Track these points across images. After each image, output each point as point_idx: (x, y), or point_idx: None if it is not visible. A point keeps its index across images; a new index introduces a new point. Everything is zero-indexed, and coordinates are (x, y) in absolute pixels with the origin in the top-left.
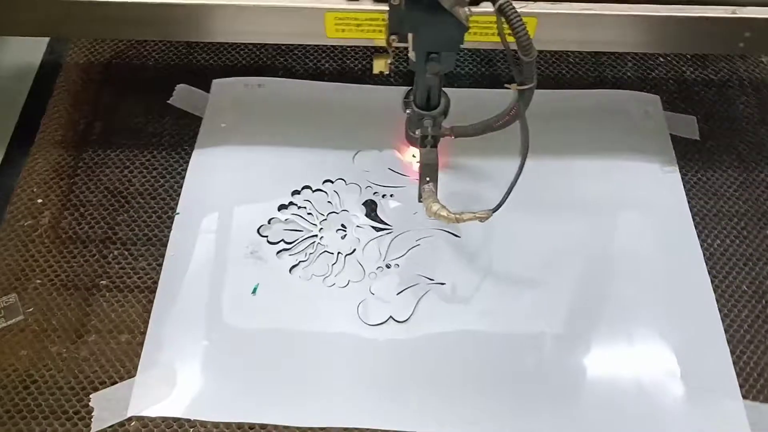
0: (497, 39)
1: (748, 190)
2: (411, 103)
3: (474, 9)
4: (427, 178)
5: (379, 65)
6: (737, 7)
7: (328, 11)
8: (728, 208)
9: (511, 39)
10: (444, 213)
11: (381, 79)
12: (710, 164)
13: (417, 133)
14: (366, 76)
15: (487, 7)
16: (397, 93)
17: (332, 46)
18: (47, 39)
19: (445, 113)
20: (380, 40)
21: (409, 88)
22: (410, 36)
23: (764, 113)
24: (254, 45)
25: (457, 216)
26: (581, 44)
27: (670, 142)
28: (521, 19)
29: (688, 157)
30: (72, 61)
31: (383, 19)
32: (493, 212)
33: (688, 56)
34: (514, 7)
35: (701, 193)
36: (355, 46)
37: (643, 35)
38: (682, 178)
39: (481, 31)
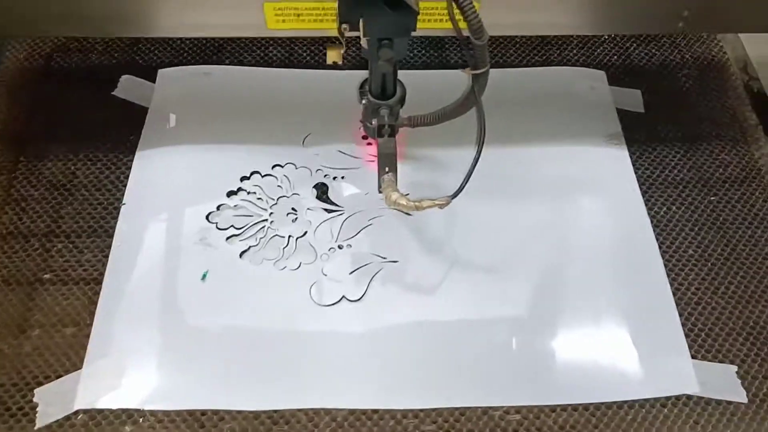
0: (447, 25)
1: (692, 159)
2: (366, 92)
3: None
4: (386, 168)
5: (332, 56)
6: None
7: (266, 2)
8: (673, 176)
9: (462, 25)
10: (403, 201)
11: (331, 65)
12: (654, 135)
13: (374, 123)
14: (314, 63)
15: None
16: (345, 77)
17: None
18: None
19: (401, 102)
20: (321, 30)
21: (365, 78)
22: (361, 23)
23: (704, 85)
24: (200, 37)
25: (417, 204)
26: (524, 27)
27: (617, 116)
28: (471, 3)
29: (634, 129)
30: (11, 56)
31: (323, 9)
32: (453, 198)
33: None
34: None
35: (647, 164)
36: (304, 35)
37: (586, 16)
38: (628, 149)
39: (431, 17)
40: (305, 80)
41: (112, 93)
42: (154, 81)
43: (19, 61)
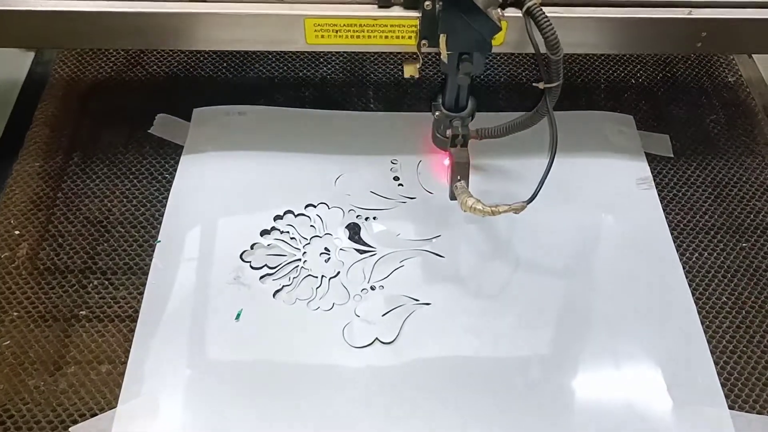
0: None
1: (722, 205)
2: (439, 105)
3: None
4: (458, 177)
5: (409, 70)
6: (693, 9)
7: (307, 17)
8: (704, 222)
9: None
10: (480, 206)
11: (361, 106)
12: (684, 180)
13: (447, 134)
14: (346, 104)
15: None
16: (377, 119)
17: (314, 74)
18: (26, 70)
19: (472, 115)
20: (358, 45)
21: (437, 92)
22: (443, 37)
23: (732, 130)
24: (235, 77)
25: (493, 208)
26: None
27: (646, 160)
28: (549, 20)
29: (663, 173)
30: (50, 94)
31: (361, 25)
32: (527, 204)
33: (659, 77)
34: (542, 10)
35: (678, 209)
36: (335, 76)
37: (606, 37)
38: (659, 194)
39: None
40: (337, 121)
41: (148, 131)
42: (189, 120)
43: (57, 99)
